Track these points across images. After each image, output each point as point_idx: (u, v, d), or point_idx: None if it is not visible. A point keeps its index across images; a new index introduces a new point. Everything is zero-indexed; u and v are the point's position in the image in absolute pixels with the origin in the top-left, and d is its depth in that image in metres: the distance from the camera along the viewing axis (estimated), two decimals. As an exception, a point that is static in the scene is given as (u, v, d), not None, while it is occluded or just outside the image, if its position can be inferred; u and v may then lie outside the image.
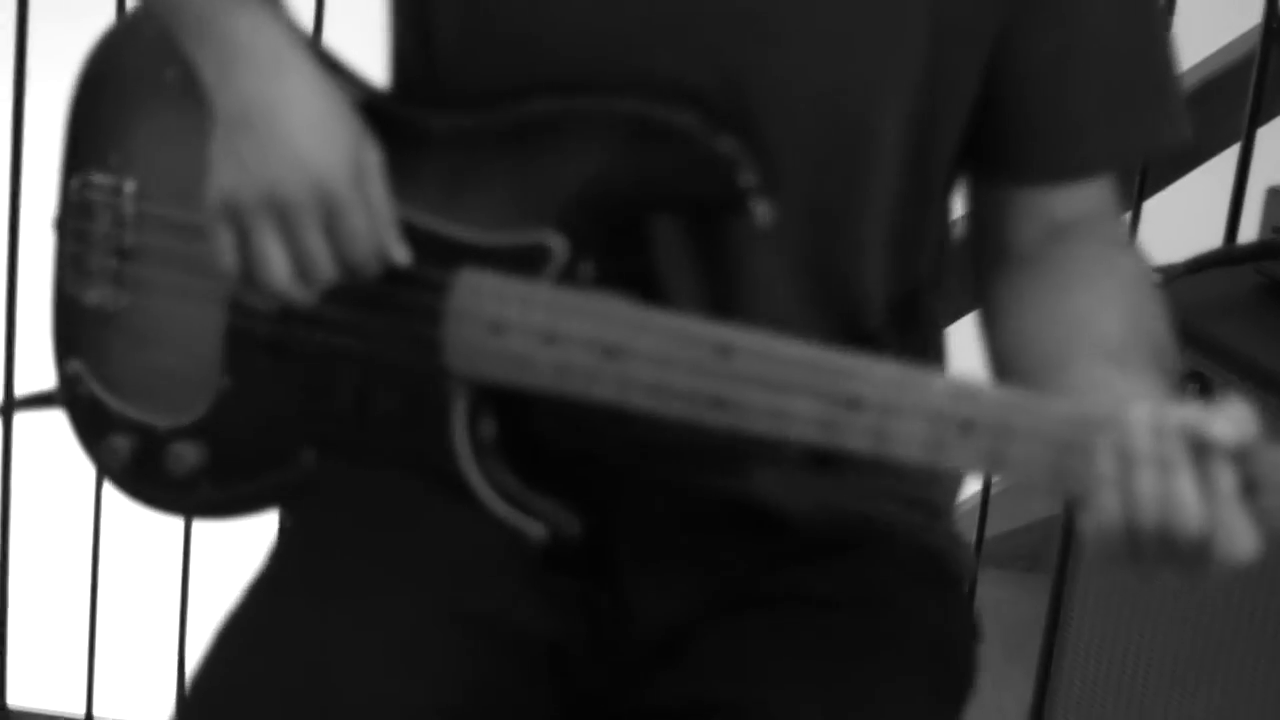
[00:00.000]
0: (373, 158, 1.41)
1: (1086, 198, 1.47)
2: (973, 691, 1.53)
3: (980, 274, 1.49)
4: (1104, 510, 1.22)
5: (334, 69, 1.46)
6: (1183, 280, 1.98)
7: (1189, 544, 1.20)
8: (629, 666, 1.46)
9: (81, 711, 2.72)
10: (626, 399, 1.35)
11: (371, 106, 1.45)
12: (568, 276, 1.39)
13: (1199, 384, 1.97)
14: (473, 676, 1.37)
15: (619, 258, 1.40)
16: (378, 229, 1.41)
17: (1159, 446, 1.20)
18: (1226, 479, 1.20)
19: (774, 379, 1.31)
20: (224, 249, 1.42)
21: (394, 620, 1.36)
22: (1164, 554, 1.21)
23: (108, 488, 1.66)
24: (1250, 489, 1.20)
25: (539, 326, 1.37)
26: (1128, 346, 1.35)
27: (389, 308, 1.44)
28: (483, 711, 1.37)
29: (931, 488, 1.57)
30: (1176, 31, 2.27)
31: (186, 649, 2.64)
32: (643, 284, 1.40)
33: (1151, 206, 2.38)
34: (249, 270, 1.42)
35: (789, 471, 1.48)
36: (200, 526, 2.27)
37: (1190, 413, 1.21)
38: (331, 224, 1.40)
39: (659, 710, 1.41)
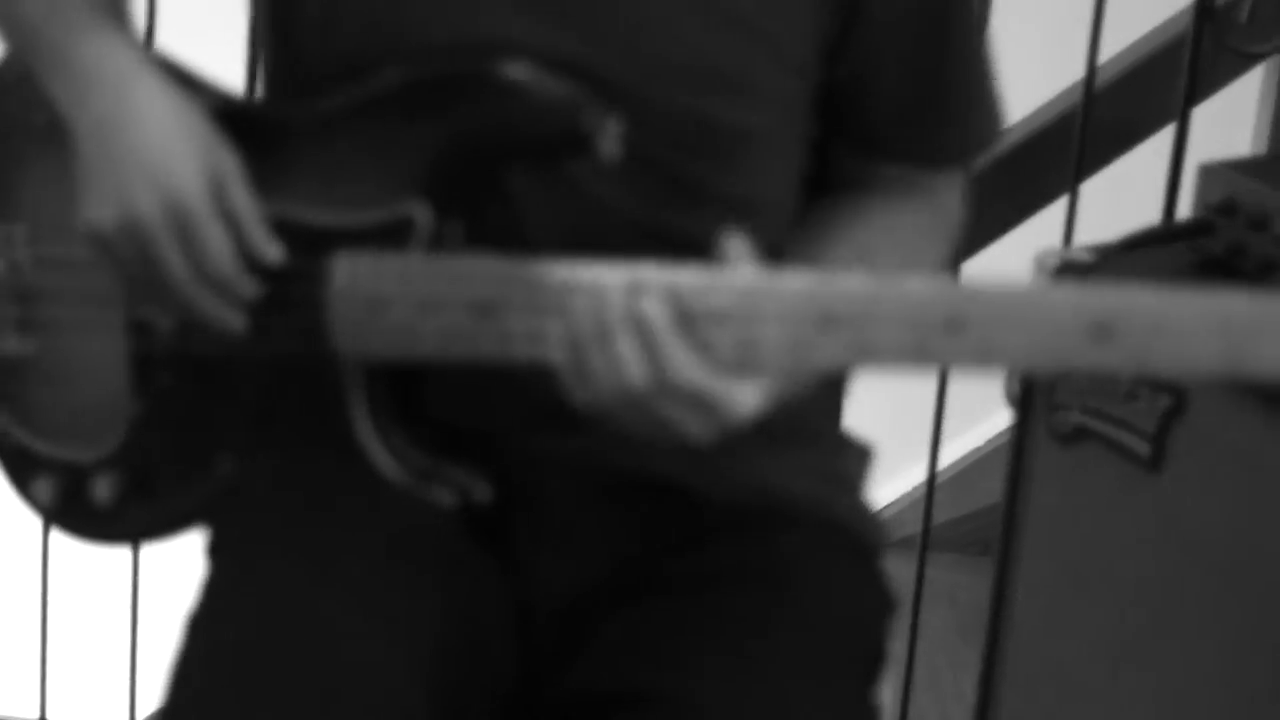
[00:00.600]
0: (228, 164, 1.43)
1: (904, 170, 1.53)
2: (886, 664, 1.53)
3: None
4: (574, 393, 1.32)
5: (187, 81, 1.48)
6: (1117, 260, 1.99)
7: (654, 396, 1.29)
8: (534, 650, 1.47)
9: (35, 714, 2.72)
10: (510, 354, 1.36)
11: (229, 111, 1.47)
12: (437, 242, 1.41)
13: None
14: (444, 641, 1.39)
15: (484, 215, 1.42)
16: (244, 233, 1.43)
17: (603, 318, 1.29)
18: (657, 317, 1.28)
19: None
20: (115, 272, 1.45)
21: (362, 587, 1.38)
22: (647, 416, 1.30)
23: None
24: (684, 321, 1.28)
25: (415, 297, 1.38)
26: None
27: (274, 304, 1.45)
28: (457, 674, 1.39)
29: (839, 459, 1.58)
30: (1111, 10, 2.29)
31: (138, 651, 2.63)
32: (512, 237, 1.41)
33: (1090, 187, 2.40)
34: (134, 290, 1.45)
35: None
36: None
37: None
38: (187, 239, 1.41)
39: (568, 698, 1.42)
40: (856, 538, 1.56)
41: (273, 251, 1.43)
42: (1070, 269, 2.01)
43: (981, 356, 1.26)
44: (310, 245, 1.43)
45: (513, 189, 1.43)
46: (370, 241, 1.42)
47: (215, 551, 1.52)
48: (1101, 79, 2.38)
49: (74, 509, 1.58)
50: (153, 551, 2.47)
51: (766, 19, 1.42)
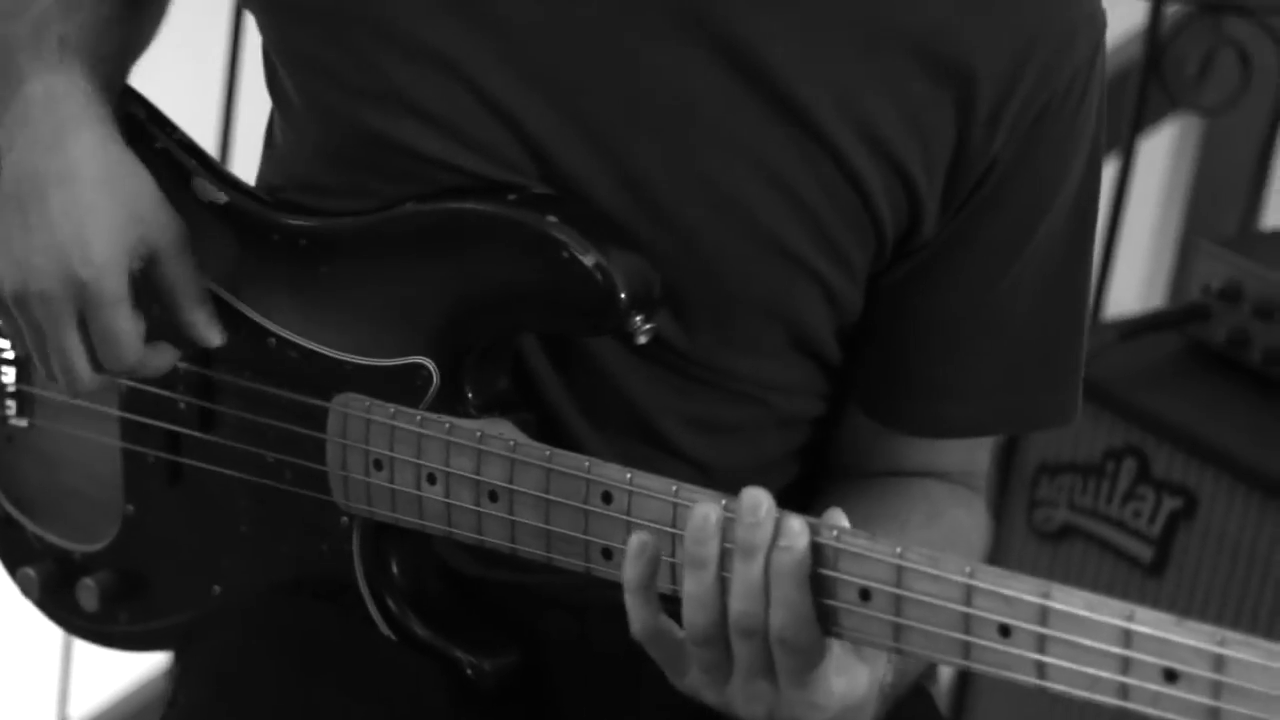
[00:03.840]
0: (169, 236, 1.29)
1: (944, 453, 1.36)
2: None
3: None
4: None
5: (197, 170, 1.34)
6: (1113, 349, 1.90)
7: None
8: None
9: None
10: (517, 545, 1.22)
11: (238, 209, 1.33)
12: (450, 400, 1.25)
13: (1135, 457, 1.87)
14: None
15: (501, 379, 1.28)
16: (180, 315, 1.30)
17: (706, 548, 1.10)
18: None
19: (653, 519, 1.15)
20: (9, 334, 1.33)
21: None
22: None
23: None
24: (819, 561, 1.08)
25: (418, 462, 1.24)
26: None
27: (276, 436, 1.32)
28: None
29: None
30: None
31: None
32: (526, 406, 1.28)
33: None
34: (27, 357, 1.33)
35: None
36: None
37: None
38: (87, 319, 1.28)
39: None
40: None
41: (214, 336, 1.31)
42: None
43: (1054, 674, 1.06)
44: (316, 379, 1.29)
45: (532, 356, 1.29)
46: (377, 386, 1.27)
47: (180, 673, 1.39)
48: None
49: (59, 602, 1.46)
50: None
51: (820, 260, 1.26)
